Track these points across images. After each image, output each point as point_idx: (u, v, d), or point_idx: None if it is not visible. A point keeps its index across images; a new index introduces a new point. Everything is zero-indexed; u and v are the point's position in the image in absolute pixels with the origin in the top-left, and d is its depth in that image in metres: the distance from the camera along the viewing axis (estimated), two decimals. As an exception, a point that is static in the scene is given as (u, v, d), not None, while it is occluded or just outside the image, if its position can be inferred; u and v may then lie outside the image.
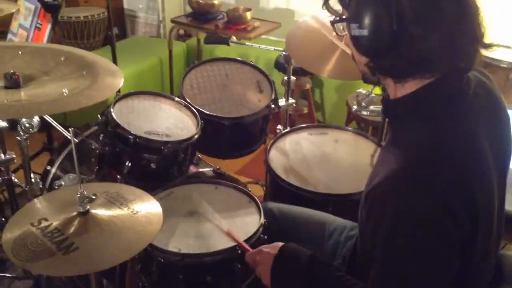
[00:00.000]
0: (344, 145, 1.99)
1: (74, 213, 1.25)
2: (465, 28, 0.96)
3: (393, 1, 0.94)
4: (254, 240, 1.40)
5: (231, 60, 2.15)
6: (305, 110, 3.37)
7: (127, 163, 1.63)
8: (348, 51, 1.06)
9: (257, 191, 2.32)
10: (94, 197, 1.29)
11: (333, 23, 1.12)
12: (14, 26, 2.39)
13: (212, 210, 1.53)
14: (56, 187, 1.81)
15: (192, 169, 1.97)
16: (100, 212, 1.27)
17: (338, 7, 1.10)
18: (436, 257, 0.94)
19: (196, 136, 1.71)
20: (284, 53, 2.07)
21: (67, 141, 2.09)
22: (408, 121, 1.04)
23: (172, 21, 3.62)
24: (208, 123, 1.82)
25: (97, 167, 1.77)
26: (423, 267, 0.94)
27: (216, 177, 2.02)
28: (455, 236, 0.93)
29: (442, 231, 0.93)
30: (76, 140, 1.90)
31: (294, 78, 2.17)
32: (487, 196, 1.00)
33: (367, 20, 0.97)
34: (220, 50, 3.54)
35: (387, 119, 1.12)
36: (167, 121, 1.77)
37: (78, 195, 1.24)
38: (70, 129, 1.30)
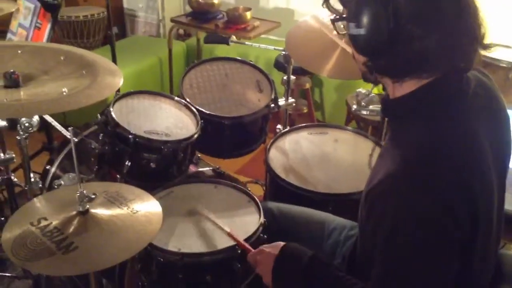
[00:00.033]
0: (344, 145, 1.99)
1: (74, 213, 1.25)
2: (464, 27, 0.96)
3: (390, 0, 0.94)
4: (254, 240, 1.40)
5: (231, 59, 2.15)
6: (305, 110, 3.37)
7: (126, 163, 1.63)
8: (349, 49, 1.07)
9: (257, 190, 2.32)
10: (93, 196, 1.29)
11: (333, 21, 1.12)
12: (13, 25, 2.39)
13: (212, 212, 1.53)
14: (55, 186, 1.81)
15: (192, 168, 1.97)
16: (100, 211, 1.27)
17: (338, 5, 1.10)
18: (436, 257, 0.94)
19: (195, 136, 1.71)
20: (283, 52, 2.07)
21: (66, 141, 2.09)
22: (408, 121, 1.04)
23: (172, 20, 3.62)
24: (207, 122, 1.82)
25: (96, 167, 1.77)
26: (423, 267, 0.94)
27: (215, 176, 2.02)
28: (455, 236, 0.93)
29: (442, 231, 0.93)
30: (76, 140, 1.90)
31: (294, 77, 2.17)
32: (487, 196, 1.00)
33: (364, 19, 0.97)
34: (220, 50, 3.54)
35: (386, 119, 1.12)
36: (167, 120, 1.77)
37: (78, 194, 1.24)
38: (69, 128, 1.29)
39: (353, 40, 1.03)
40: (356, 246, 1.33)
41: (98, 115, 1.69)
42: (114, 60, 2.77)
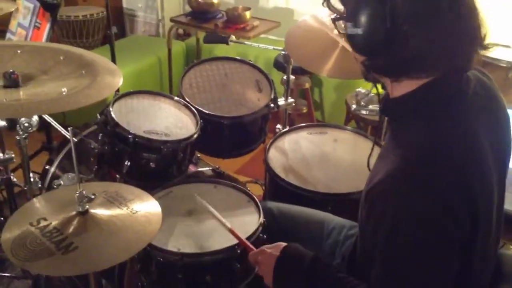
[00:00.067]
0: (343, 145, 1.99)
1: (73, 213, 1.25)
2: (464, 28, 0.96)
3: (387, 0, 0.94)
4: (254, 240, 1.40)
5: (230, 59, 2.15)
6: (304, 110, 3.37)
7: (126, 163, 1.63)
8: (350, 48, 1.07)
9: (256, 190, 2.32)
10: (93, 196, 1.29)
11: (334, 20, 1.12)
12: (13, 25, 2.38)
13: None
14: (55, 186, 1.81)
15: (191, 168, 1.97)
16: (99, 211, 1.27)
17: (339, 5, 1.10)
18: (436, 257, 0.94)
19: (195, 136, 1.71)
20: (283, 52, 2.07)
21: (66, 141, 2.09)
22: (408, 121, 1.04)
23: (171, 20, 3.61)
24: (207, 122, 1.82)
25: (96, 167, 1.76)
26: (423, 267, 0.94)
27: (215, 176, 2.02)
28: (455, 236, 0.93)
29: (442, 231, 0.93)
30: (75, 140, 1.90)
31: (293, 77, 2.17)
32: (487, 196, 1.00)
33: (361, 19, 0.98)
34: (219, 49, 3.54)
35: (386, 118, 1.12)
36: (166, 120, 1.77)
37: (77, 194, 1.24)
38: (69, 128, 1.29)
39: (351, 39, 1.03)
40: (356, 246, 1.33)
41: (98, 115, 1.69)
42: (113, 60, 2.77)
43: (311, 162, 1.88)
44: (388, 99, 1.10)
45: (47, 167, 2.03)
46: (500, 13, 2.60)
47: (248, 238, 1.39)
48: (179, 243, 1.42)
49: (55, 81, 1.52)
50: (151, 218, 1.27)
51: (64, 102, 1.38)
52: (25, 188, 1.80)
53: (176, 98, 1.87)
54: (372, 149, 1.29)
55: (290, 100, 2.16)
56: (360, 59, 1.05)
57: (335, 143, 2.00)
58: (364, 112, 2.47)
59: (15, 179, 1.90)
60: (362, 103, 2.45)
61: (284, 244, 1.22)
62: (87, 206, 1.26)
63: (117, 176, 1.69)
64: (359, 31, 0.99)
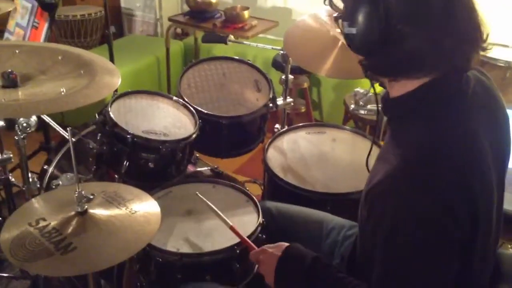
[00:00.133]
0: (342, 144, 1.99)
1: (72, 213, 1.25)
2: (463, 28, 0.96)
3: (381, 0, 0.94)
4: (253, 240, 1.40)
5: (229, 59, 2.15)
6: (303, 109, 3.37)
7: (125, 163, 1.63)
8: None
9: (255, 190, 2.32)
10: (92, 196, 1.29)
11: (336, 19, 1.13)
12: (11, 25, 2.38)
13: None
14: (53, 186, 1.80)
15: (190, 168, 1.97)
16: (98, 211, 1.27)
17: (340, 4, 1.10)
18: (436, 257, 0.94)
19: (194, 135, 1.71)
20: (281, 52, 2.07)
21: (64, 141, 2.08)
22: (408, 121, 1.04)
23: (170, 19, 3.61)
24: (206, 122, 1.82)
25: (94, 167, 1.76)
26: (423, 267, 0.94)
27: (214, 176, 2.02)
28: (455, 236, 0.93)
29: (442, 231, 0.93)
30: (74, 140, 1.89)
31: (292, 77, 2.17)
32: (487, 196, 1.00)
33: (356, 18, 0.98)
34: (218, 49, 3.54)
35: (385, 118, 1.12)
36: (165, 120, 1.76)
37: (76, 194, 1.24)
38: (68, 128, 1.29)
39: (348, 39, 1.03)
40: (355, 246, 1.33)
41: (96, 115, 1.69)
42: (111, 59, 2.77)
43: (309, 162, 1.88)
44: (387, 99, 1.10)
45: (45, 167, 2.03)
46: (498, 12, 2.61)
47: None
48: (178, 243, 1.42)
49: (54, 81, 1.52)
50: (150, 218, 1.27)
51: (62, 102, 1.38)
52: (23, 188, 1.80)
53: (174, 98, 1.87)
54: (371, 149, 1.29)
55: (289, 99, 2.16)
56: (358, 59, 1.06)
57: (333, 142, 2.00)
58: (362, 111, 2.48)
59: (13, 179, 1.89)
60: (361, 102, 2.46)
61: (286, 244, 1.22)
62: (86, 206, 1.25)
63: (116, 176, 1.69)
64: (354, 30, 0.99)
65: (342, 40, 1.85)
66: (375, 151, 1.24)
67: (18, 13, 2.33)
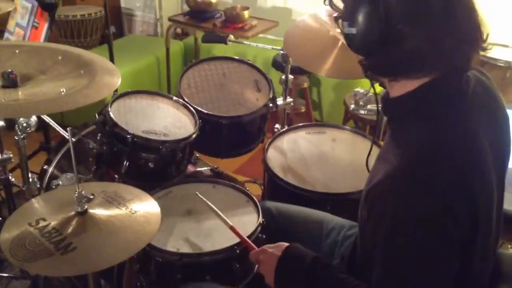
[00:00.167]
0: (342, 144, 1.99)
1: (72, 213, 1.25)
2: (460, 28, 0.96)
3: (381, 0, 0.94)
4: (253, 240, 1.40)
5: (229, 59, 2.15)
6: (303, 109, 3.37)
7: (125, 163, 1.63)
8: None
9: (255, 190, 2.32)
10: (92, 196, 1.29)
11: (336, 19, 1.13)
12: (11, 25, 2.38)
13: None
14: (53, 186, 1.80)
15: (190, 168, 1.97)
16: (98, 211, 1.27)
17: (340, 4, 1.10)
18: (436, 257, 0.94)
19: (194, 135, 1.71)
20: (281, 52, 2.07)
21: (64, 141, 2.08)
22: (408, 121, 1.04)
23: (170, 19, 3.61)
24: (206, 122, 1.82)
25: (94, 167, 1.76)
26: (423, 267, 0.94)
27: (214, 176, 2.02)
28: (455, 236, 0.93)
29: (442, 231, 0.93)
30: (74, 140, 1.89)
31: (292, 77, 2.17)
32: (487, 196, 1.00)
33: (356, 18, 0.98)
34: (218, 49, 3.54)
35: (385, 118, 1.12)
36: (165, 120, 1.76)
37: (76, 194, 1.24)
38: (68, 128, 1.29)
39: (348, 39, 1.03)
40: (355, 246, 1.33)
41: (96, 115, 1.69)
42: (111, 59, 2.77)
43: (309, 162, 1.88)
44: (388, 99, 1.10)
45: (45, 167, 2.03)
46: (498, 12, 2.61)
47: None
48: (178, 243, 1.42)
49: (54, 81, 1.52)
50: (150, 218, 1.27)
51: (62, 102, 1.38)
52: (23, 188, 1.80)
53: (174, 98, 1.87)
54: (371, 149, 1.29)
55: (289, 99, 2.16)
56: (359, 59, 1.06)
57: (333, 142, 2.00)
58: (362, 111, 2.48)
59: (13, 179, 1.89)
60: (361, 102, 2.46)
61: (286, 244, 1.22)
62: (86, 206, 1.25)
63: (116, 176, 1.69)
64: (354, 30, 0.99)
65: (342, 40, 1.85)
66: (375, 151, 1.24)
67: (18, 13, 2.33)
